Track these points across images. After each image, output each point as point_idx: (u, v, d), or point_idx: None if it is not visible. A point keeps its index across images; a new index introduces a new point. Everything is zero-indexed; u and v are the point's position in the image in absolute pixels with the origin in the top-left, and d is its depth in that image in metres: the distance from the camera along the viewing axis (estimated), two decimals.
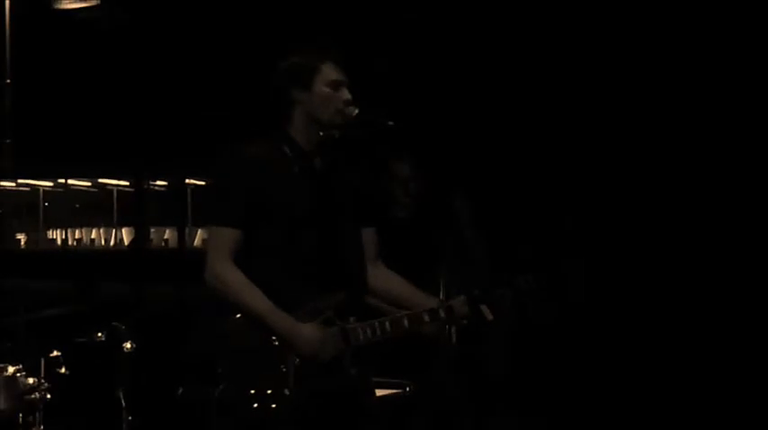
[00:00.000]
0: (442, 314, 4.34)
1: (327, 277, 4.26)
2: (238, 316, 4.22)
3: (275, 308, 4.11)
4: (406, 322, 4.31)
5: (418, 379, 5.40)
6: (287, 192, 4.26)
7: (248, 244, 4.29)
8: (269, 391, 4.17)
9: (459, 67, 7.21)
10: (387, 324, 4.28)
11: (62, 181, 8.42)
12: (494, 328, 5.89)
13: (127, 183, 8.41)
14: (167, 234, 8.36)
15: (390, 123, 4.32)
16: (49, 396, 5.55)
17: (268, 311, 4.14)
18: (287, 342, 4.15)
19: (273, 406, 4.14)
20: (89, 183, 8.36)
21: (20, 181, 8.45)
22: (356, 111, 4.22)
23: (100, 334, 5.96)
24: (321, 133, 4.26)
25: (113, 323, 5.97)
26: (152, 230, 8.42)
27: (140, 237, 8.34)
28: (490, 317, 4.82)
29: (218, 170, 4.37)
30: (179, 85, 7.68)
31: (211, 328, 4.54)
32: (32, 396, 5.41)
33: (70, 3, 8.06)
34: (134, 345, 6.00)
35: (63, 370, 5.73)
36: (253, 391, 4.16)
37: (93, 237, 8.39)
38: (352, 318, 4.19)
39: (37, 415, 5.56)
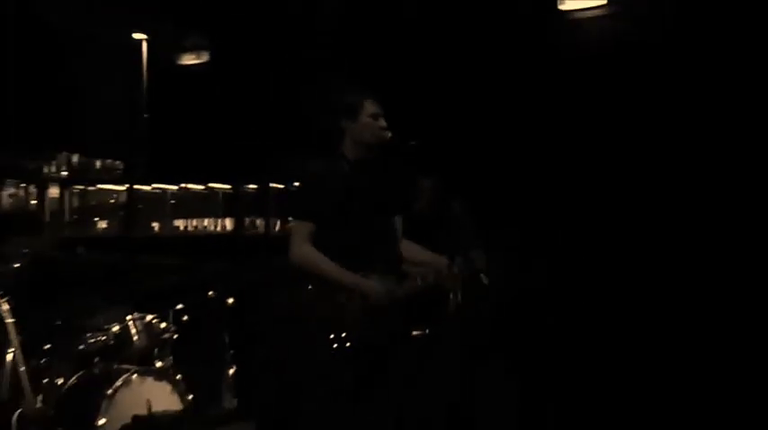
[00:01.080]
0: (456, 268, 4.70)
1: (375, 254, 4.55)
2: (310, 287, 4.47)
3: (346, 271, 4.40)
4: (432, 276, 4.66)
5: (437, 323, 5.44)
6: (346, 195, 4.54)
7: (320, 232, 4.51)
8: (336, 337, 4.37)
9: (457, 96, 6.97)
10: (418, 279, 4.61)
11: (183, 185, 8.67)
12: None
13: (229, 187, 8.64)
14: (258, 223, 8.46)
15: (413, 143, 4.68)
16: (175, 336, 6.05)
17: (342, 273, 4.39)
18: (357, 292, 4.41)
19: (339, 347, 4.37)
20: (202, 187, 8.61)
21: (153, 185, 8.67)
22: (389, 134, 4.57)
23: (211, 293, 6.33)
24: (365, 151, 4.62)
25: (219, 286, 6.38)
26: (246, 220, 8.60)
27: (238, 226, 8.63)
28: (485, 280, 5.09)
29: (300, 178, 4.83)
30: (262, 120, 7.67)
31: (292, 293, 4.69)
32: (164, 336, 5.97)
33: (189, 59, 8.75)
34: (234, 302, 6.34)
35: (185, 318, 6.15)
36: (323, 337, 4.39)
37: (205, 225, 8.61)
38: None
39: (167, 349, 6.03)
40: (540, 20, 6.80)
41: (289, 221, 8.08)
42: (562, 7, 6.79)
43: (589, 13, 6.70)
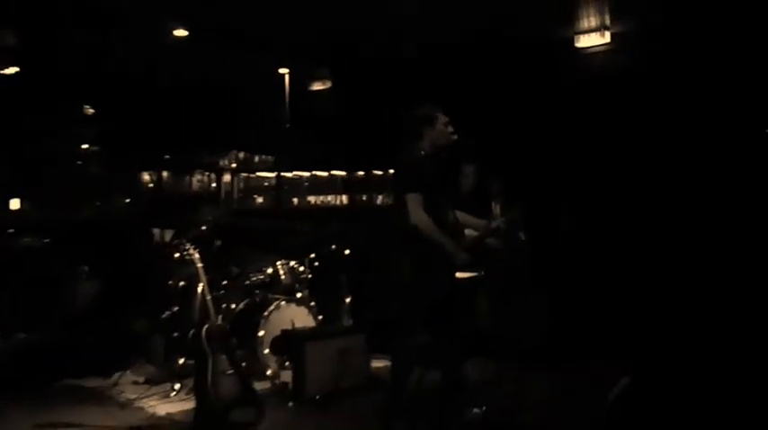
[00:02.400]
0: (502, 226, 4.74)
1: (448, 221, 4.47)
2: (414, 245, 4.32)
3: (445, 236, 4.29)
4: (483, 233, 4.73)
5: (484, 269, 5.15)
6: (431, 178, 4.43)
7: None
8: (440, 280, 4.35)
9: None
10: (472, 238, 4.67)
11: (314, 172, 8.76)
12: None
13: (344, 173, 8.72)
14: (364, 198, 8.51)
15: (472, 142, 4.67)
16: (310, 276, 6.12)
17: (444, 239, 4.28)
18: (451, 252, 4.30)
19: (439, 287, 4.35)
20: (327, 173, 8.69)
21: (294, 173, 8.81)
22: (455, 137, 4.53)
23: (333, 246, 6.32)
24: (436, 149, 4.53)
25: (338, 242, 6.37)
26: (356, 196, 8.66)
27: (351, 200, 8.68)
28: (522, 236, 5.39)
29: (402, 164, 4.51)
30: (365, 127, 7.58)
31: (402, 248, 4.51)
32: (302, 276, 6.05)
33: (317, 86, 8.86)
34: (349, 253, 6.35)
35: (316, 263, 6.24)
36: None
37: (329, 200, 8.69)
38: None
39: (304, 285, 6.12)
40: (562, 53, 6.75)
41: (387, 197, 8.31)
42: (578, 45, 6.73)
43: (597, 49, 6.64)
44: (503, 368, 5.42)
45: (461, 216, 4.79)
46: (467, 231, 4.73)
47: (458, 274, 4.73)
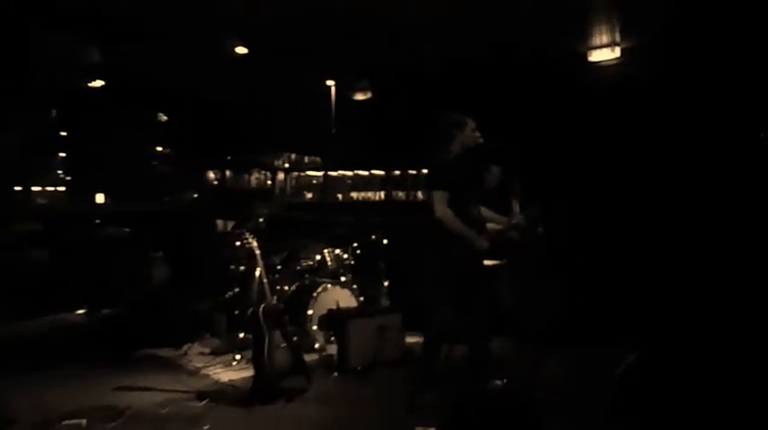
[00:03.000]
0: (522, 222, 4.62)
1: (473, 214, 4.38)
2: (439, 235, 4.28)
3: (466, 227, 4.23)
4: (504, 227, 4.59)
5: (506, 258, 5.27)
6: (459, 176, 4.37)
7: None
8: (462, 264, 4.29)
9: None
10: (493, 233, 4.49)
11: (356, 171, 8.77)
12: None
13: (382, 172, 8.64)
14: (399, 194, 8.42)
15: (496, 145, 4.55)
16: (352, 262, 6.01)
17: (464, 229, 4.21)
18: (472, 242, 4.23)
19: (465, 271, 4.29)
20: (367, 172, 8.66)
21: (338, 172, 8.79)
22: (482, 140, 4.40)
23: (373, 236, 6.22)
24: (464, 150, 4.42)
25: (378, 232, 6.28)
26: (392, 193, 8.54)
27: (388, 196, 8.55)
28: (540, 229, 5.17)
29: (433, 164, 4.47)
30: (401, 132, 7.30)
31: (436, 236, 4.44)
32: (346, 262, 5.97)
33: (360, 96, 8.80)
34: (387, 242, 6.23)
35: (358, 251, 6.16)
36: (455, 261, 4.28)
37: (368, 195, 8.66)
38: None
39: (348, 270, 6.01)
40: (576, 68, 6.61)
41: (420, 193, 8.21)
42: (590, 59, 6.61)
43: (608, 63, 6.48)
44: (521, 347, 5.39)
45: (485, 211, 4.69)
46: (489, 225, 4.63)
47: (484, 262, 4.64)
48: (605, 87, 6.42)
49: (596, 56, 6.52)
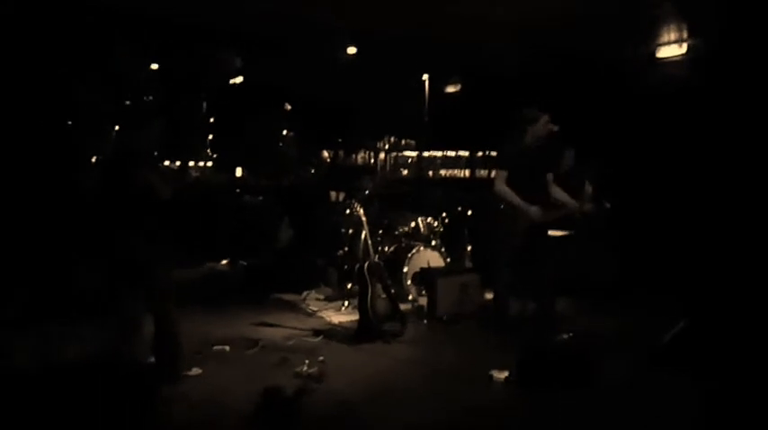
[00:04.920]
0: (592, 211, 4.56)
1: (536, 193, 4.41)
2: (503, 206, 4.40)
3: (522, 200, 4.29)
4: (572, 209, 4.50)
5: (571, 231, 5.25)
6: (527, 161, 4.40)
7: (512, 179, 4.38)
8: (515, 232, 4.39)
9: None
10: (555, 209, 4.44)
11: (444, 152, 8.65)
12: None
13: (467, 153, 8.44)
14: (482, 172, 8.10)
15: (556, 129, 4.38)
16: (441, 229, 5.89)
17: (519, 202, 4.27)
18: (526, 213, 4.29)
19: (515, 238, 4.37)
20: (454, 153, 8.52)
21: (430, 152, 8.65)
22: (555, 129, 4.36)
23: (459, 208, 6.23)
24: (537, 140, 4.43)
25: (463, 204, 6.31)
26: (476, 170, 8.33)
27: (472, 173, 8.37)
28: (607, 205, 5.06)
29: (503, 150, 4.60)
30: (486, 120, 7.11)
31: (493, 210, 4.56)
32: (436, 229, 5.87)
33: (451, 89, 8.64)
34: (470, 213, 6.25)
35: (447, 220, 6.02)
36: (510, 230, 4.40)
37: (455, 173, 8.51)
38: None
39: (438, 236, 5.86)
40: (647, 64, 6.22)
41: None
42: (659, 56, 6.17)
43: (675, 59, 6.07)
44: (582, 306, 5.24)
45: (559, 193, 4.59)
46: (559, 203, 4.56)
47: (551, 233, 4.69)
48: (673, 81, 6.01)
49: (664, 52, 6.14)
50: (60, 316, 4.31)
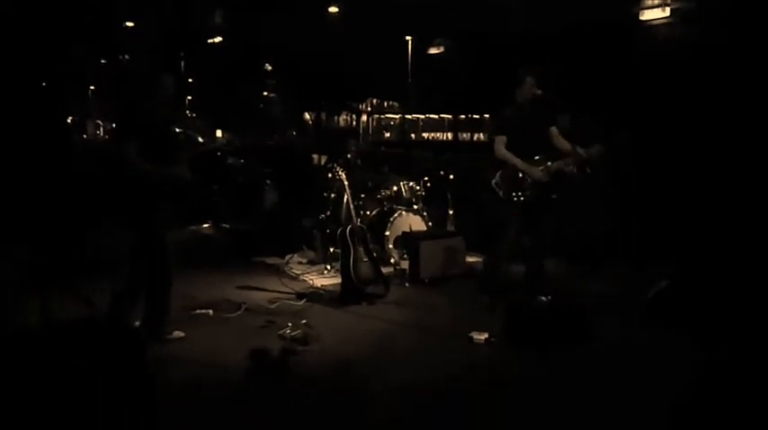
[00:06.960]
0: (584, 155, 4.21)
1: (535, 150, 4.28)
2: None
3: (522, 161, 4.21)
4: (572, 159, 4.26)
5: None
6: (521, 120, 4.30)
7: (510, 140, 4.28)
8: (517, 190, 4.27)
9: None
10: (563, 162, 4.27)
11: (427, 115, 8.82)
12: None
13: (450, 116, 8.44)
14: (465, 136, 8.18)
15: (550, 94, 4.25)
16: (423, 193, 5.82)
17: (519, 163, 4.19)
18: (526, 172, 4.21)
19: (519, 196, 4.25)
20: (437, 116, 8.60)
21: (413, 115, 8.77)
22: (539, 92, 4.24)
23: (441, 172, 6.14)
24: (527, 101, 4.30)
25: (445, 168, 6.17)
26: (459, 134, 8.36)
27: (455, 136, 8.37)
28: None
29: (497, 115, 4.47)
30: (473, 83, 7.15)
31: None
32: (417, 193, 5.78)
33: (433, 50, 8.46)
34: (453, 176, 6.13)
35: (429, 184, 5.92)
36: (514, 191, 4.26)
37: (438, 135, 8.45)
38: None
39: (419, 199, 5.81)
40: (628, 27, 6.12)
41: (481, 134, 7.98)
42: (642, 18, 6.13)
43: (658, 22, 5.98)
44: (572, 268, 5.26)
45: (560, 140, 4.42)
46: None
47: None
48: (657, 45, 5.97)
49: (647, 15, 6.08)
50: (70, 278, 4.23)
